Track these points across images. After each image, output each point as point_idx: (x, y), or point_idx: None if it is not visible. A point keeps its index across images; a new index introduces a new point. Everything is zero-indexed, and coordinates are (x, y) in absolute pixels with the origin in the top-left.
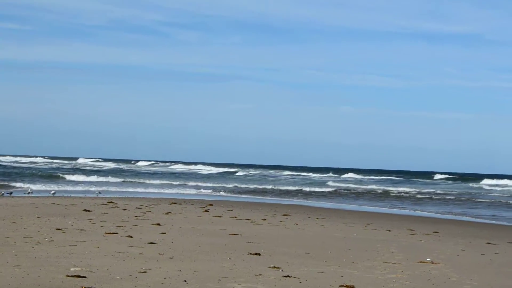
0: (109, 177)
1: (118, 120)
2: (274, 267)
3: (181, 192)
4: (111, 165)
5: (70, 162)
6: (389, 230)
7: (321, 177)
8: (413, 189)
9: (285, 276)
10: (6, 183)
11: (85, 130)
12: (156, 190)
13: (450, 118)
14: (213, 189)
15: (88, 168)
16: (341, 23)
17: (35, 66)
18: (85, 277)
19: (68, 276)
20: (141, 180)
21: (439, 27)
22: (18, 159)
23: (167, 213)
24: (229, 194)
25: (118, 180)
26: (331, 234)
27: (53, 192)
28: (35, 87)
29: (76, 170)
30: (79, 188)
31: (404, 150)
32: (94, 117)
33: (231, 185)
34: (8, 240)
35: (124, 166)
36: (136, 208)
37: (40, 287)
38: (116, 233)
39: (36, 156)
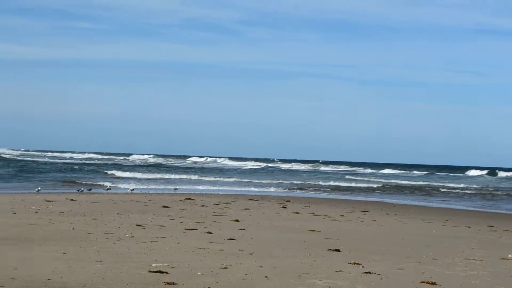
0: (182, 174)
1: (188, 118)
2: (354, 263)
3: (255, 189)
4: (160, 160)
5: (125, 158)
6: (469, 227)
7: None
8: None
9: (365, 273)
10: (85, 181)
11: (155, 129)
12: (231, 188)
13: None
14: (282, 185)
15: (147, 164)
16: (414, 20)
17: (107, 64)
18: (167, 272)
19: (150, 271)
20: (214, 178)
21: None
22: (74, 155)
23: (245, 209)
24: (303, 191)
25: (193, 177)
26: (410, 231)
27: (132, 188)
28: (108, 85)
29: (148, 167)
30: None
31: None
32: (167, 115)
33: (298, 182)
34: (89, 236)
35: (178, 162)
36: (214, 204)
37: (123, 283)
38: (196, 229)
39: (86, 152)
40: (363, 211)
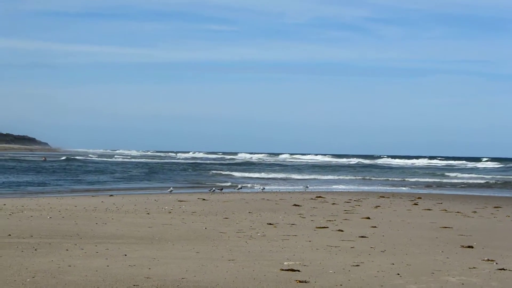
0: (300, 173)
1: (318, 117)
2: (488, 260)
3: (379, 187)
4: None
5: (232, 157)
6: None
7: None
8: None
9: (500, 269)
10: (209, 182)
11: (298, 126)
12: (365, 187)
13: None
14: (404, 183)
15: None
16: None
17: (240, 66)
18: (299, 270)
19: (282, 270)
20: (333, 176)
21: None
22: (185, 155)
23: (376, 206)
24: (434, 188)
25: (327, 177)
26: None
27: (262, 187)
28: (240, 87)
29: (267, 166)
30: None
31: None
32: (300, 113)
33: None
34: (222, 235)
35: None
36: (345, 202)
37: (256, 281)
38: (327, 227)
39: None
40: (496, 207)
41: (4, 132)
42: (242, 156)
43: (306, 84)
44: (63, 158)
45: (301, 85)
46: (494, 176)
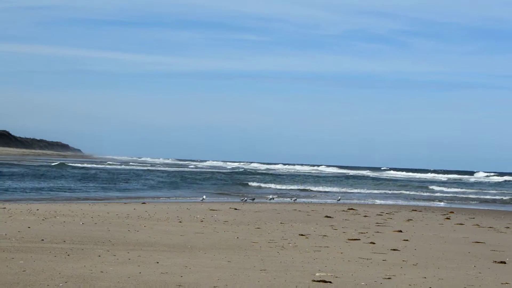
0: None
1: (346, 129)
2: None
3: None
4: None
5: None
6: None
7: None
8: None
9: None
10: (233, 191)
11: (324, 138)
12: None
13: None
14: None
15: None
16: None
17: (272, 76)
18: (330, 282)
19: (314, 281)
20: (366, 190)
21: None
22: (198, 164)
23: (408, 220)
24: (465, 202)
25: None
26: None
27: (294, 198)
28: (272, 97)
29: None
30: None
31: None
32: (332, 124)
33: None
34: (253, 245)
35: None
36: (377, 215)
37: None
38: (359, 239)
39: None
40: None
41: (38, 138)
42: (256, 166)
43: (338, 96)
44: (55, 163)
45: (333, 97)
46: None
